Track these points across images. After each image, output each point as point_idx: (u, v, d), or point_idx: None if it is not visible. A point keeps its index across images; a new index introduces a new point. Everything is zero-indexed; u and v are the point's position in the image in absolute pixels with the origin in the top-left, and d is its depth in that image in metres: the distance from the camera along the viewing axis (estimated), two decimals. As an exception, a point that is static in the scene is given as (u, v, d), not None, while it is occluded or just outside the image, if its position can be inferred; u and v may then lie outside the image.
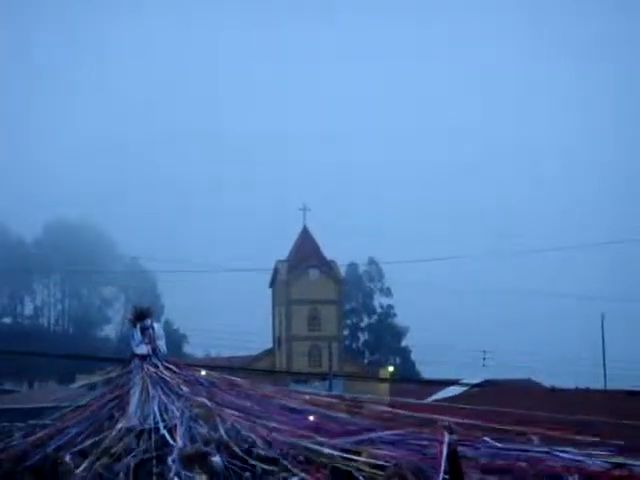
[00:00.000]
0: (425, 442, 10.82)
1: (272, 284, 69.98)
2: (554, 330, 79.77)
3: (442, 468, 9.05)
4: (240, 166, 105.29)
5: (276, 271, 68.86)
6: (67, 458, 13.08)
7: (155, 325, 14.65)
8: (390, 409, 12.93)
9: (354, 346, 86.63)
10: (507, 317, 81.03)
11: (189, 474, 11.73)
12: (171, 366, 14.16)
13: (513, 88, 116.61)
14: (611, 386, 49.13)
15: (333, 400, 13.61)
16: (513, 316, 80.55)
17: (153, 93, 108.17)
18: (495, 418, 12.05)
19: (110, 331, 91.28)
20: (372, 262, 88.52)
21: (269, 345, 68.74)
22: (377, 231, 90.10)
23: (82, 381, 60.28)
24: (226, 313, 76.00)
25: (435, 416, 11.13)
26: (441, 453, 9.13)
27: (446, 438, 9.33)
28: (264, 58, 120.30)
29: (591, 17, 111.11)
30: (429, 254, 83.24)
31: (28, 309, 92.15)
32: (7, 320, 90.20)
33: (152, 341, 14.25)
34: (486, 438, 11.02)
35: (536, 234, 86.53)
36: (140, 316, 14.63)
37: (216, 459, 12.57)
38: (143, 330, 14.33)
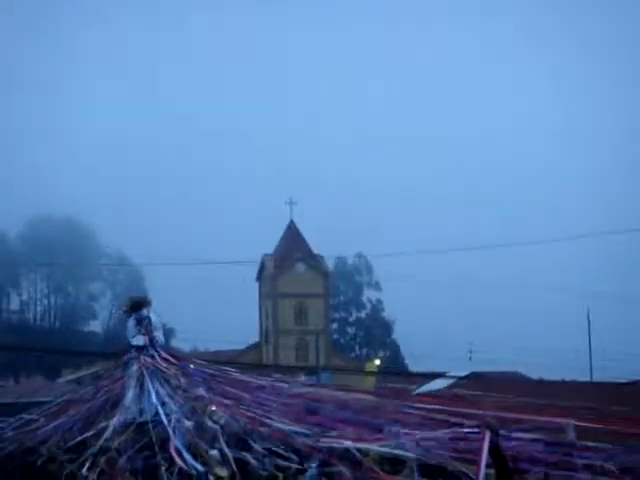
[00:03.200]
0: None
1: (259, 278, 69.84)
2: (542, 323, 79.89)
3: (483, 464, 8.87)
4: (228, 160, 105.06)
5: (263, 265, 68.68)
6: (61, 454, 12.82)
7: (152, 316, 14.35)
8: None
9: (343, 340, 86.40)
10: (495, 310, 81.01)
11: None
12: (169, 357, 13.88)
13: (513, 89, 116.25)
14: (597, 378, 49.27)
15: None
16: (501, 309, 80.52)
17: (134, 91, 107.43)
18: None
19: (96, 326, 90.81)
20: (360, 256, 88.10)
21: (256, 339, 68.65)
22: (366, 225, 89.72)
23: (68, 376, 60.02)
24: (214, 307, 75.79)
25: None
26: (482, 450, 8.97)
27: (487, 435, 9.20)
28: (263, 57, 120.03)
29: (591, 16, 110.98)
30: (418, 247, 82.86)
31: (14, 304, 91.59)
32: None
33: (149, 332, 13.96)
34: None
35: (524, 227, 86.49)
36: (135, 306, 14.32)
37: (213, 452, 12.39)
38: (139, 321, 14.04)
